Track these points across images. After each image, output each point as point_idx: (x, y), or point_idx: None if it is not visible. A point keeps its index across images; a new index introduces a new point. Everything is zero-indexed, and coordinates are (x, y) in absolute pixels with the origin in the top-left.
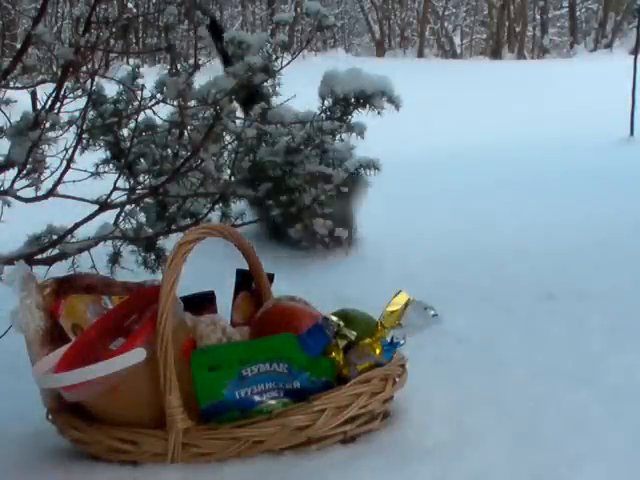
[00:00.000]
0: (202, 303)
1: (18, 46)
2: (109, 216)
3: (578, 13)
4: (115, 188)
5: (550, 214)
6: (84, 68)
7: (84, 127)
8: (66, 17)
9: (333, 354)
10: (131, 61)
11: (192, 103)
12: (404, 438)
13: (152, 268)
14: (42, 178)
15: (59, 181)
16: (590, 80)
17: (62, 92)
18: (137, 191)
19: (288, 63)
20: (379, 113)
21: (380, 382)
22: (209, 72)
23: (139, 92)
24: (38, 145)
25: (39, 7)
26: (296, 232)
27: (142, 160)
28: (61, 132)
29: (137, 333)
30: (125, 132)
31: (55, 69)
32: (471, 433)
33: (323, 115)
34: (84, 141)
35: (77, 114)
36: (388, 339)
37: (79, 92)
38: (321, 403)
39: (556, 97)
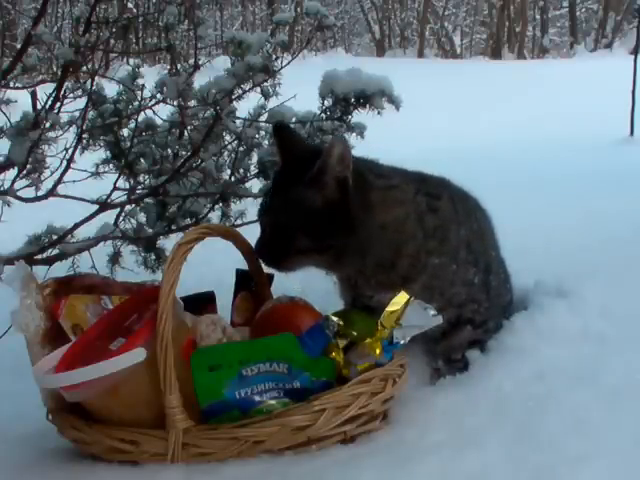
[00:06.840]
0: (202, 303)
1: (18, 46)
2: (109, 216)
3: (578, 13)
4: (115, 188)
5: (550, 214)
6: (84, 68)
7: (84, 127)
8: (66, 17)
9: (333, 354)
10: (131, 61)
11: (192, 103)
12: (404, 438)
13: (152, 268)
14: (42, 178)
15: (59, 181)
16: (590, 80)
17: (62, 92)
18: (137, 191)
19: (288, 63)
20: (379, 113)
21: (380, 382)
22: (209, 72)
23: (139, 92)
24: (38, 145)
25: (39, 7)
26: None
27: (142, 160)
28: (61, 132)
29: (137, 333)
30: (125, 132)
31: (55, 69)
32: (471, 433)
33: (323, 115)
34: (84, 141)
35: (77, 114)
36: (388, 339)
37: (79, 92)
38: (321, 403)
39: (556, 97)
